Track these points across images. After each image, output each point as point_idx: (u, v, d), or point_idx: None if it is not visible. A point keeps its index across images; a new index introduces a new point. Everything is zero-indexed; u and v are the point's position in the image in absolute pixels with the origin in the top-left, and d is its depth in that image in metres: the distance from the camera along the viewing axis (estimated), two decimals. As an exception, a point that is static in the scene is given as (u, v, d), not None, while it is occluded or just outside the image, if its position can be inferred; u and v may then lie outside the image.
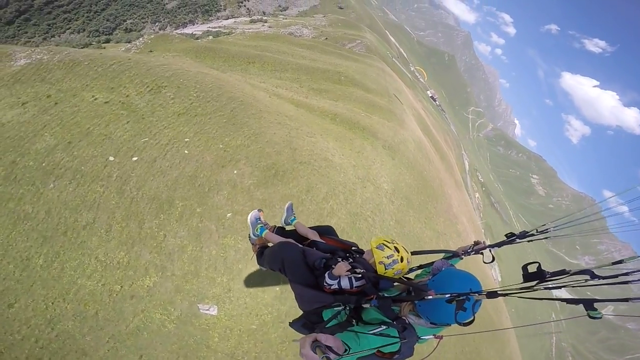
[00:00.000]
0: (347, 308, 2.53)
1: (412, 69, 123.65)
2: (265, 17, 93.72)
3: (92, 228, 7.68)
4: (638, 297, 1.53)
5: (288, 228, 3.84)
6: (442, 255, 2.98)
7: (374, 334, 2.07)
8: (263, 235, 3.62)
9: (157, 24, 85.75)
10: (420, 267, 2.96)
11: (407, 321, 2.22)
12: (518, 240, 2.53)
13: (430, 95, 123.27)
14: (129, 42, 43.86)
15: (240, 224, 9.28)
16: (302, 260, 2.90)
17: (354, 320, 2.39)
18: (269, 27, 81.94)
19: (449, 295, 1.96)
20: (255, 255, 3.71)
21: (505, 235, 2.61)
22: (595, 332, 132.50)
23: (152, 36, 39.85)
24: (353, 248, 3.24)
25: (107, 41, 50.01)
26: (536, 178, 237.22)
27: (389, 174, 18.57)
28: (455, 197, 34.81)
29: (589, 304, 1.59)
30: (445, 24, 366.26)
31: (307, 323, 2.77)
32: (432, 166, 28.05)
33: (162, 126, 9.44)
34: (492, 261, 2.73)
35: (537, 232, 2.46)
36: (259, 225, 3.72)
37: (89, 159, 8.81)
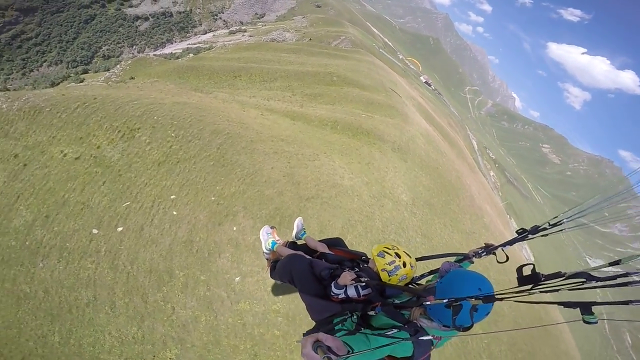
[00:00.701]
0: (355, 316, 2.51)
1: (401, 57, 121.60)
2: (244, 27, 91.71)
3: (96, 305, 7.28)
4: (638, 300, 1.43)
5: (299, 242, 3.89)
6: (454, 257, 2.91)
7: (384, 335, 2.05)
8: (274, 249, 3.70)
9: (134, 47, 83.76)
10: (431, 272, 2.91)
11: (418, 325, 2.14)
12: (530, 236, 2.38)
13: (424, 81, 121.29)
14: (107, 70, 42.10)
15: (252, 286, 7.74)
16: (310, 271, 2.97)
17: (362, 328, 2.31)
18: (250, 36, 80.00)
19: (446, 300, 1.88)
20: (269, 269, 3.77)
21: (517, 232, 2.49)
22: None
23: (130, 62, 38.10)
24: (362, 258, 3.22)
25: (85, 72, 47.99)
26: (547, 147, 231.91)
27: (404, 181, 16.89)
28: (474, 186, 33.00)
29: (586, 307, 1.51)
30: (422, 8, 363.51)
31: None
32: (445, 158, 26.31)
33: (142, 183, 7.83)
34: (506, 261, 2.56)
35: (549, 225, 2.30)
36: (270, 240, 3.81)
37: (72, 233, 7.94)
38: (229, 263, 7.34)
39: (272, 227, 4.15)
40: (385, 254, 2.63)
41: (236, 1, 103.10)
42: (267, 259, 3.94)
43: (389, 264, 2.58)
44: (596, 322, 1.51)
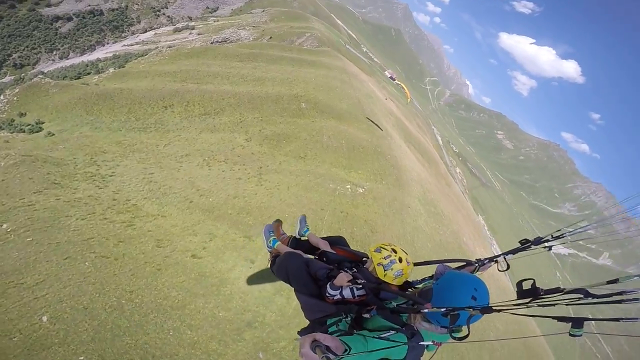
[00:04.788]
0: (349, 318, 2.51)
1: (365, 50, 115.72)
2: (193, 23, 79.80)
3: None
4: (629, 317, 1.54)
5: (303, 239, 3.87)
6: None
7: (382, 337, 2.02)
8: (275, 246, 3.71)
9: (54, 52, 68.68)
10: (432, 277, 2.78)
11: (415, 327, 2.15)
12: (533, 246, 2.51)
13: (389, 76, 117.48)
14: None
15: None
16: (305, 270, 2.96)
17: (354, 331, 2.31)
18: (198, 34, 68.95)
19: (444, 309, 1.95)
20: (270, 262, 3.72)
21: (520, 242, 2.62)
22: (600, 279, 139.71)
23: (18, 90, 27.32)
24: (364, 259, 3.15)
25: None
26: (501, 134, 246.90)
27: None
28: (465, 228, 27.87)
29: (578, 322, 1.61)
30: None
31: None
32: (444, 224, 20.43)
33: None
34: (507, 269, 2.62)
35: (552, 237, 2.47)
36: (271, 238, 3.78)
37: None
38: None
39: (276, 221, 4.06)
40: (382, 249, 2.64)
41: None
42: (269, 252, 3.80)
43: (385, 258, 2.57)
44: (580, 335, 1.60)
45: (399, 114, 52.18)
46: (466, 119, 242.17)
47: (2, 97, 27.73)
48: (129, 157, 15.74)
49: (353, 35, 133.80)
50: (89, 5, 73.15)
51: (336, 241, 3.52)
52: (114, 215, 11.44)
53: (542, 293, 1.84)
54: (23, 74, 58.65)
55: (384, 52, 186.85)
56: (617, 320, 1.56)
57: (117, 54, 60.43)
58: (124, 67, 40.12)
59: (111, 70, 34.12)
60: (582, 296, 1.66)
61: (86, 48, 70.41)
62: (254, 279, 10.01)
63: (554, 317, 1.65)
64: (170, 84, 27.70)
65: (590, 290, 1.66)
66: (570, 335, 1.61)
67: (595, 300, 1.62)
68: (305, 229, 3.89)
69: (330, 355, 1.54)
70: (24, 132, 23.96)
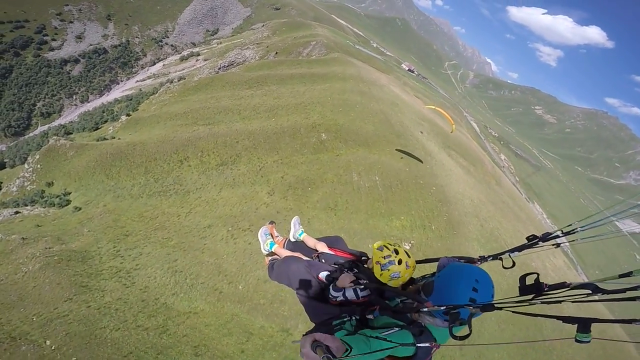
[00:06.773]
0: (353, 319, 2.48)
1: (375, 45, 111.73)
2: (197, 49, 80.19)
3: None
4: None
5: (298, 241, 3.78)
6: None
7: (385, 335, 1.95)
8: (272, 249, 3.67)
9: (74, 96, 71.40)
10: (433, 275, 2.67)
11: (423, 324, 2.11)
12: (541, 242, 2.27)
13: (407, 69, 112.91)
14: (24, 162, 30.76)
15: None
16: (308, 273, 2.90)
17: (358, 330, 2.29)
18: (205, 60, 68.94)
19: (444, 307, 1.91)
20: (267, 268, 3.65)
21: (527, 238, 2.39)
22: None
23: (38, 156, 27.27)
24: (362, 258, 3.15)
25: (2, 166, 37.08)
26: (540, 108, 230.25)
27: None
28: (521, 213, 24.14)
29: (585, 324, 1.45)
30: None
31: None
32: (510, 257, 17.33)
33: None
34: (512, 266, 2.38)
35: (562, 233, 2.18)
36: (268, 241, 3.74)
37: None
38: None
39: (270, 223, 4.02)
40: (385, 248, 2.56)
41: (180, 21, 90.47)
42: (266, 256, 3.78)
43: (384, 257, 2.49)
44: (589, 342, 1.43)
45: (429, 114, 48.49)
46: (498, 99, 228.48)
47: (27, 165, 27.83)
48: (151, 238, 14.53)
49: (360, 33, 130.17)
50: (91, 45, 75.20)
51: (333, 242, 3.41)
52: (145, 320, 10.59)
53: (546, 289, 1.71)
54: (49, 126, 61.02)
55: (395, 44, 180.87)
56: (629, 322, 1.36)
57: (131, 94, 61.44)
58: (137, 109, 40.04)
59: (124, 118, 33.73)
60: (590, 292, 1.51)
61: (102, 88, 72.50)
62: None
63: (558, 318, 1.52)
64: (181, 129, 26.45)
65: (600, 285, 1.49)
66: (577, 341, 1.43)
67: (606, 296, 1.46)
68: (300, 231, 3.75)
69: (331, 356, 1.50)
70: (54, 205, 23.99)
